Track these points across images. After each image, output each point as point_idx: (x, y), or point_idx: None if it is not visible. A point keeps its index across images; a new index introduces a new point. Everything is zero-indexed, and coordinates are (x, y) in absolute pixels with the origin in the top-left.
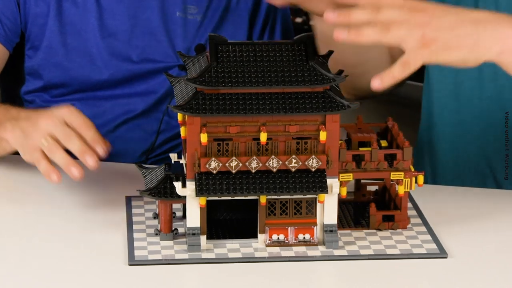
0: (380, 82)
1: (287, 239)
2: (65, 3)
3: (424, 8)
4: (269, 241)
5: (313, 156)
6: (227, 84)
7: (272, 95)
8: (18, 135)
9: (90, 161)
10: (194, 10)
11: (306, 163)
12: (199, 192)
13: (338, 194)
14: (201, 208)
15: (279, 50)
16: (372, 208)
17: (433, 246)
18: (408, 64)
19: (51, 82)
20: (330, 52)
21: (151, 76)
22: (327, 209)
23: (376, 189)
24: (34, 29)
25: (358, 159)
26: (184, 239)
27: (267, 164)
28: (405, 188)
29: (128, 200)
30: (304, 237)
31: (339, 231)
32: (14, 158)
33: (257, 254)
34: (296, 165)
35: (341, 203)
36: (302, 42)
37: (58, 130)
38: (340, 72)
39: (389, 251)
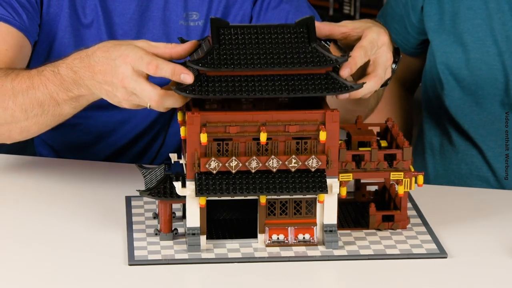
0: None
1: (287, 239)
2: (82, 30)
3: None
4: (269, 241)
5: (313, 156)
6: (229, 66)
7: (275, 76)
8: (107, 94)
9: (187, 78)
10: (196, 16)
11: (306, 163)
12: (199, 192)
13: (338, 194)
14: (201, 208)
15: (281, 33)
16: (372, 208)
17: (433, 246)
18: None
19: None
20: (331, 39)
21: None
22: (327, 209)
23: (376, 189)
24: (54, 55)
25: (358, 159)
26: (184, 239)
27: (267, 164)
28: (405, 188)
29: (128, 200)
30: (304, 237)
31: (339, 231)
32: (13, 158)
33: (257, 254)
34: (296, 165)
35: (341, 203)
36: (304, 25)
37: (143, 68)
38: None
39: (389, 251)
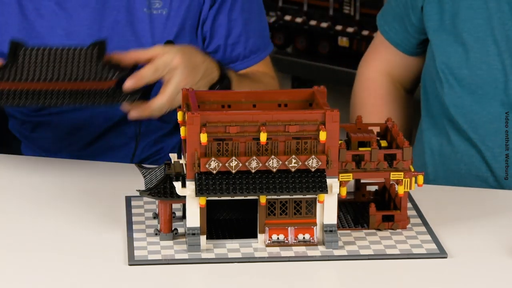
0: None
1: (287, 239)
2: (30, 15)
3: None
4: (269, 241)
5: (313, 156)
6: (22, 79)
7: (65, 90)
8: None
9: None
10: (158, 4)
11: (306, 163)
12: (199, 192)
13: (338, 194)
14: (201, 208)
15: (75, 54)
16: (372, 208)
17: (433, 246)
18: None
19: None
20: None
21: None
22: (327, 209)
23: (376, 189)
24: None
25: (358, 159)
26: (184, 239)
27: (267, 164)
28: (405, 188)
29: (128, 200)
30: (304, 237)
31: (339, 231)
32: (13, 158)
33: (257, 254)
34: (296, 165)
35: (341, 203)
36: (95, 46)
37: None
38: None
39: (389, 251)
